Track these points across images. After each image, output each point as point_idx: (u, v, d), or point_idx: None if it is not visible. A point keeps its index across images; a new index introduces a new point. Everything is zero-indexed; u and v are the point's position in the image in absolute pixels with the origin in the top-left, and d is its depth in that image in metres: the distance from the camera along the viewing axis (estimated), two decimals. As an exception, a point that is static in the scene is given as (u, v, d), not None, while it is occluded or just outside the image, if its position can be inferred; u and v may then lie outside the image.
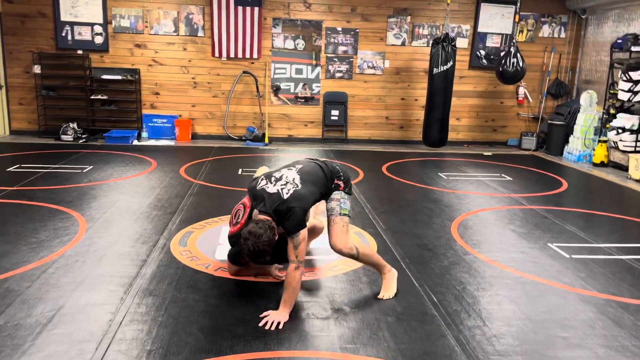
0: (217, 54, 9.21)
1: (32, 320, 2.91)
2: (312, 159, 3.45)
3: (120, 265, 3.71)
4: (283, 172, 3.26)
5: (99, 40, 8.95)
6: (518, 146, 9.97)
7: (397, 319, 3.08)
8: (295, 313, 3.09)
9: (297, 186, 3.14)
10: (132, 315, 3.01)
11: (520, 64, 8.82)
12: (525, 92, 9.88)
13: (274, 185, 3.16)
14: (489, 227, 4.94)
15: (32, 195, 5.38)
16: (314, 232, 3.83)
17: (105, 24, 8.91)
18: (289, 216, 3.04)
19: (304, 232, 3.04)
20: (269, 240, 2.97)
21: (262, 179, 3.24)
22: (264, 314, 3.04)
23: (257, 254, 2.97)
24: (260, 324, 2.95)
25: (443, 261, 4.02)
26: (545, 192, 6.46)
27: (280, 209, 3.05)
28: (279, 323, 2.96)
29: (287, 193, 3.10)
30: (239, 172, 6.90)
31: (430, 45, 9.25)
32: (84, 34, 8.91)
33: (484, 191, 6.36)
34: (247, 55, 9.25)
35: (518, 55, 8.82)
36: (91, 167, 6.81)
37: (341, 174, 3.40)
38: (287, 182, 3.17)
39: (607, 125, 8.34)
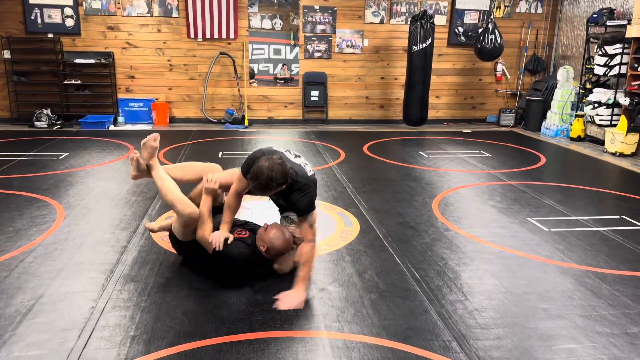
0: (192, 35, 9.04)
1: (11, 309, 2.86)
2: None
3: (100, 252, 3.66)
4: (300, 155, 3.27)
5: (70, 23, 8.70)
6: (497, 123, 10.05)
7: (380, 296, 3.11)
8: (279, 293, 3.09)
9: (313, 173, 3.19)
10: (115, 301, 2.98)
11: (498, 41, 8.85)
12: (503, 69, 9.93)
13: (295, 158, 3.14)
14: (469, 204, 4.99)
15: (7, 183, 5.25)
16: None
17: (76, 5, 8.66)
18: (305, 193, 3.00)
19: (315, 212, 3.09)
20: (284, 175, 2.84)
21: (278, 149, 3.14)
22: (279, 296, 3.00)
23: (266, 179, 2.80)
24: (279, 307, 2.92)
25: (425, 238, 4.06)
26: (523, 167, 6.54)
27: (298, 184, 2.98)
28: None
29: (309, 172, 3.12)
30: (219, 155, 6.83)
31: (408, 22, 9.20)
32: (54, 16, 8.65)
33: (464, 168, 6.41)
34: (224, 35, 9.09)
35: (496, 31, 8.84)
36: (67, 153, 6.67)
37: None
38: (307, 164, 3.20)
39: (584, 100, 8.44)
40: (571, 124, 8.59)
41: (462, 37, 9.71)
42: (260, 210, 4.45)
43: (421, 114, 9.12)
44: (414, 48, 8.76)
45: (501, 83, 10.12)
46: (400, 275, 3.40)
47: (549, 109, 9.08)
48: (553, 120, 8.91)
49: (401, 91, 9.63)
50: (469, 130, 9.29)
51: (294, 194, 3.01)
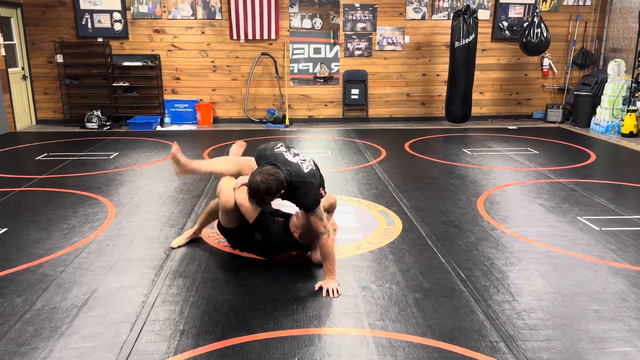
0: (235, 37, 9.19)
1: (67, 303, 2.99)
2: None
3: (150, 248, 3.78)
4: (298, 152, 3.38)
5: (118, 27, 9.01)
6: (544, 119, 9.76)
7: (424, 296, 3.08)
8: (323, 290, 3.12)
9: (314, 167, 3.30)
10: (164, 296, 3.07)
11: (545, 34, 8.60)
12: (550, 63, 9.64)
13: (293, 157, 3.27)
14: (516, 202, 4.87)
15: (61, 182, 5.49)
16: (330, 209, 3.80)
17: (124, 10, 8.95)
18: (306, 191, 3.13)
19: (321, 205, 3.20)
20: (278, 183, 3.01)
21: (280, 146, 3.35)
22: (317, 286, 3.14)
23: (263, 192, 2.99)
24: (324, 295, 3.06)
25: (470, 237, 3.99)
26: (573, 164, 6.33)
27: (296, 183, 3.11)
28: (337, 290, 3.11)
29: (306, 168, 3.21)
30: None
31: (451, 18, 9.06)
32: (104, 21, 8.97)
33: (510, 166, 6.27)
34: (265, 36, 9.20)
35: (542, 25, 8.58)
36: (117, 153, 6.91)
37: (324, 185, 3.47)
38: (305, 160, 3.30)
39: (637, 94, 8.09)
40: (623, 120, 8.24)
41: (507, 32, 9.48)
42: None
43: (464, 111, 8.97)
44: (456, 44, 8.62)
45: (548, 78, 9.83)
46: (445, 275, 3.36)
47: (599, 104, 8.75)
48: (603, 115, 8.58)
49: (443, 88, 9.49)
50: (514, 127, 9.07)
51: (295, 194, 3.16)
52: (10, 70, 8.53)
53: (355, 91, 9.53)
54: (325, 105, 9.69)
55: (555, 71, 9.75)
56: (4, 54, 8.33)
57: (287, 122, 9.29)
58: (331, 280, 3.15)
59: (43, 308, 2.93)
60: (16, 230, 4.11)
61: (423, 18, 9.37)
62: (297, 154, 3.34)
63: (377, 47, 9.45)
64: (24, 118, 9.02)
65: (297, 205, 3.33)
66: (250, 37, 9.19)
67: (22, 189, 5.26)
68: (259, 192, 3.00)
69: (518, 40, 9.00)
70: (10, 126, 8.48)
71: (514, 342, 2.62)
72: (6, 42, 8.44)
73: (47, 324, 2.77)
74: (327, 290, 3.09)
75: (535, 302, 3.02)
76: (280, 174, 3.05)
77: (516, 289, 3.16)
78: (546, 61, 9.62)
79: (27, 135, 8.35)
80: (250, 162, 3.53)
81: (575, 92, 9.25)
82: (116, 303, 3.00)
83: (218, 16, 9.11)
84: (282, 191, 3.09)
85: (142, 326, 2.75)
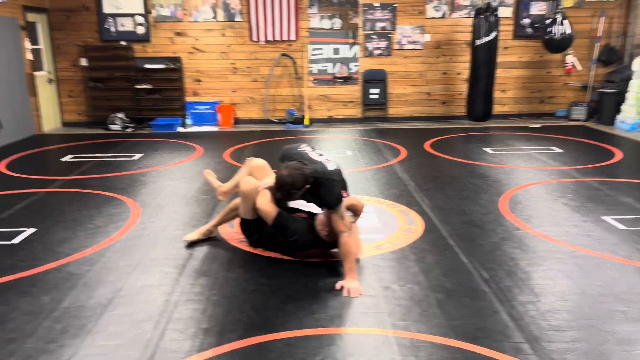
0: (255, 38, 9.24)
1: (93, 301, 3.05)
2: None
3: (173, 247, 3.83)
4: (322, 152, 3.50)
5: (140, 30, 9.14)
6: (567, 117, 9.59)
7: (447, 296, 3.06)
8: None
9: (338, 166, 3.38)
10: (187, 295, 3.11)
11: (568, 32, 8.45)
12: (573, 61, 9.46)
13: (318, 156, 3.39)
14: (540, 202, 4.81)
15: (86, 183, 5.60)
16: (357, 213, 3.80)
17: (146, 13, 9.08)
18: (330, 188, 3.19)
19: (343, 204, 3.25)
20: (304, 177, 3.12)
21: (305, 146, 3.47)
22: (338, 286, 3.14)
23: (289, 185, 3.10)
24: (345, 294, 3.06)
25: (493, 237, 3.95)
26: (597, 163, 6.22)
27: (320, 180, 3.20)
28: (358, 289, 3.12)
29: (331, 167, 3.30)
30: (282, 154, 6.95)
31: (472, 16, 8.97)
32: (126, 24, 9.11)
33: (533, 165, 6.18)
34: (285, 37, 9.23)
35: (565, 22, 8.44)
36: (140, 154, 7.02)
37: (347, 188, 3.47)
38: (329, 160, 3.39)
39: (664, 91, 7.90)
40: (650, 117, 8.06)
41: (529, 29, 9.34)
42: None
43: (486, 109, 8.87)
44: (477, 42, 8.53)
45: (571, 75, 9.65)
46: (467, 275, 3.33)
47: (624, 102, 8.57)
48: (629, 113, 8.40)
49: (464, 86, 9.41)
50: (537, 125, 8.94)
51: (320, 191, 3.22)
52: (37, 73, 8.73)
53: (374, 91, 9.50)
54: (345, 105, 9.68)
55: (579, 68, 9.57)
56: (31, 58, 8.52)
57: (306, 122, 9.31)
58: (352, 279, 3.16)
59: (70, 306, 3.00)
60: (43, 230, 4.21)
61: (443, 16, 9.29)
62: (322, 154, 3.44)
63: (396, 46, 9.41)
64: (50, 120, 9.21)
65: (318, 204, 3.38)
66: (270, 38, 9.23)
67: (48, 190, 5.38)
68: (285, 185, 3.11)
69: (540, 37, 8.86)
70: (37, 128, 8.67)
71: (538, 343, 2.59)
72: (33, 47, 8.63)
73: (74, 322, 2.83)
74: (349, 290, 3.09)
75: (560, 302, 2.97)
76: (306, 169, 3.16)
77: (540, 290, 3.12)
78: (569, 58, 9.45)
79: (53, 137, 8.52)
80: (260, 163, 3.71)
81: (599, 90, 9.08)
82: (140, 302, 3.04)
83: (238, 18, 9.17)
84: (308, 186, 3.17)
85: (166, 324, 2.79)
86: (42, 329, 2.76)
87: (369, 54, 9.44)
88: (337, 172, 3.32)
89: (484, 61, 8.59)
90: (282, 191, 3.17)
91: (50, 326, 2.79)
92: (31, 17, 8.63)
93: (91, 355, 2.53)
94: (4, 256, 3.70)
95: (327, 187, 3.20)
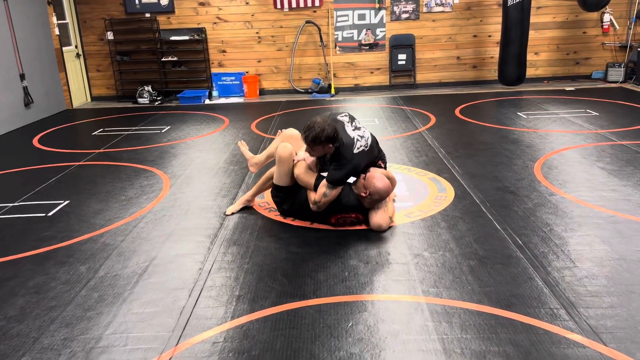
0: (279, 5, 9.09)
1: (128, 270, 3.12)
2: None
3: (204, 217, 3.86)
4: (362, 125, 3.55)
5: (164, 1, 9.09)
6: (604, 79, 9.22)
7: (480, 263, 3.01)
8: (374, 258, 3.11)
9: (366, 148, 3.42)
10: (220, 263, 3.15)
11: (606, -13, 8.03)
12: (611, 19, 9.03)
13: (353, 130, 3.43)
14: (576, 166, 4.66)
15: (117, 156, 5.68)
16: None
17: (169, -16, 9.00)
18: (340, 167, 3.30)
19: (339, 190, 3.37)
20: (333, 134, 3.24)
21: (345, 115, 3.54)
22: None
23: (319, 129, 3.20)
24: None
25: (527, 203, 3.86)
26: (636, 126, 5.97)
27: (338, 153, 3.32)
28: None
29: (357, 148, 3.36)
30: (309, 123, 6.90)
31: (503, -25, 8.60)
32: (150, -4, 9.07)
33: (568, 129, 5.98)
34: (309, 3, 9.05)
35: (603, -23, 8.01)
36: (169, 127, 7.07)
37: (385, 159, 3.80)
38: (362, 137, 3.44)
39: None
40: (694, 76, 7.67)
41: (564, -13, 8.92)
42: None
43: (518, 73, 8.58)
44: (509, 2, 8.20)
45: (609, 35, 9.22)
46: (501, 242, 3.27)
47: (667, 61, 8.17)
48: (671, 72, 8.01)
49: (496, 49, 9.10)
50: (572, 88, 8.62)
51: (333, 162, 3.35)
52: (64, 49, 8.81)
53: (402, 57, 9.28)
54: (372, 73, 9.51)
55: (617, 27, 9.13)
56: (58, 33, 8.59)
57: (332, 91, 9.19)
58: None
59: (106, 275, 3.07)
60: (77, 202, 4.30)
61: (473, -23, 8.94)
62: (358, 128, 3.48)
63: (424, 9, 9.13)
64: (79, 95, 9.34)
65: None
66: (294, 5, 9.06)
67: (81, 163, 5.48)
68: (314, 129, 3.21)
69: (576, -5, 8.46)
70: (67, 103, 8.80)
71: (575, 309, 2.53)
72: (59, 22, 8.69)
73: (110, 291, 2.90)
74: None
75: (598, 268, 2.89)
76: (337, 134, 3.28)
77: (577, 255, 3.04)
78: (607, 17, 9.01)
79: (83, 111, 8.65)
80: (293, 133, 3.76)
81: (638, 50, 8.66)
82: (174, 270, 3.09)
83: (261, -15, 9.02)
84: (330, 146, 3.29)
85: (200, 292, 2.83)
86: (79, 297, 2.84)
87: (396, 18, 9.19)
88: (359, 156, 3.36)
89: (516, 22, 8.27)
90: (309, 134, 3.23)
91: (88, 294, 2.86)
92: (57, -8, 8.66)
93: (128, 322, 2.60)
94: (42, 228, 3.80)
95: (338, 164, 3.32)
